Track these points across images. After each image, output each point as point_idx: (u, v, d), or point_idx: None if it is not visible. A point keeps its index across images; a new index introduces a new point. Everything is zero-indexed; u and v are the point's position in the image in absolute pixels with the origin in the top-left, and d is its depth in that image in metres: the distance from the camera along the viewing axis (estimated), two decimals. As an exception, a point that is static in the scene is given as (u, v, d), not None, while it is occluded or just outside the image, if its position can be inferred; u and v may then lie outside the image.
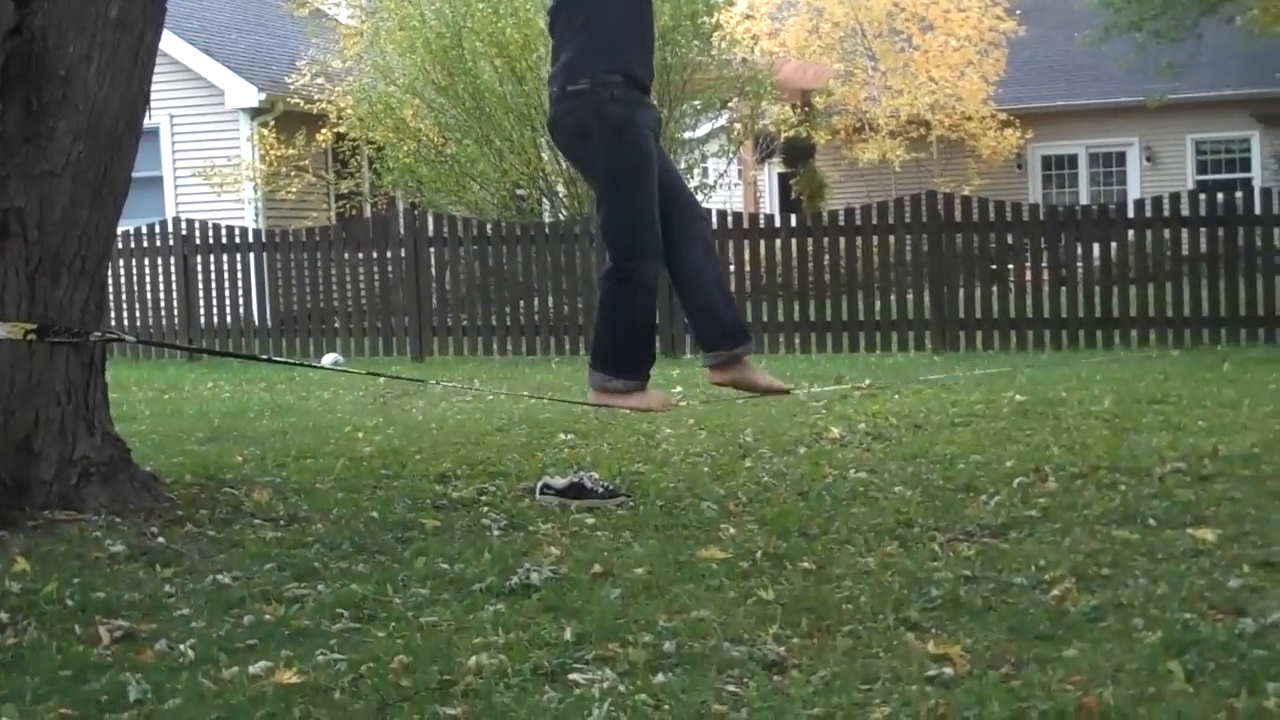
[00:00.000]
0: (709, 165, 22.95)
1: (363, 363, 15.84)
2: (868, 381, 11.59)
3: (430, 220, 16.87)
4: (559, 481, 6.89)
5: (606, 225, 5.98)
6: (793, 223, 16.62)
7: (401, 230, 16.74)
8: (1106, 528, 5.92)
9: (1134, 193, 27.12)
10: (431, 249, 16.57)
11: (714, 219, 15.71)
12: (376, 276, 16.81)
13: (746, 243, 15.87)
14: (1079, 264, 15.27)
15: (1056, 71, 30.01)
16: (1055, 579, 5.08)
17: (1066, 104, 29.61)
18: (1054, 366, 12.93)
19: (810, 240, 15.86)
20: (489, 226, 16.74)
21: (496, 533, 6.14)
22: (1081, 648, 4.32)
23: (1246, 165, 29.00)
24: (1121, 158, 30.01)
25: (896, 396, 10.51)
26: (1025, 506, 6.39)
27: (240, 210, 21.12)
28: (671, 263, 6.06)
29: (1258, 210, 14.72)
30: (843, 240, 15.71)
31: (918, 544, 5.75)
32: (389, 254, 16.72)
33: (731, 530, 6.07)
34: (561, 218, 19.04)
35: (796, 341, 15.46)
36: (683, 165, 21.44)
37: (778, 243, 16.01)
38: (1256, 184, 26.16)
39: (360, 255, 16.86)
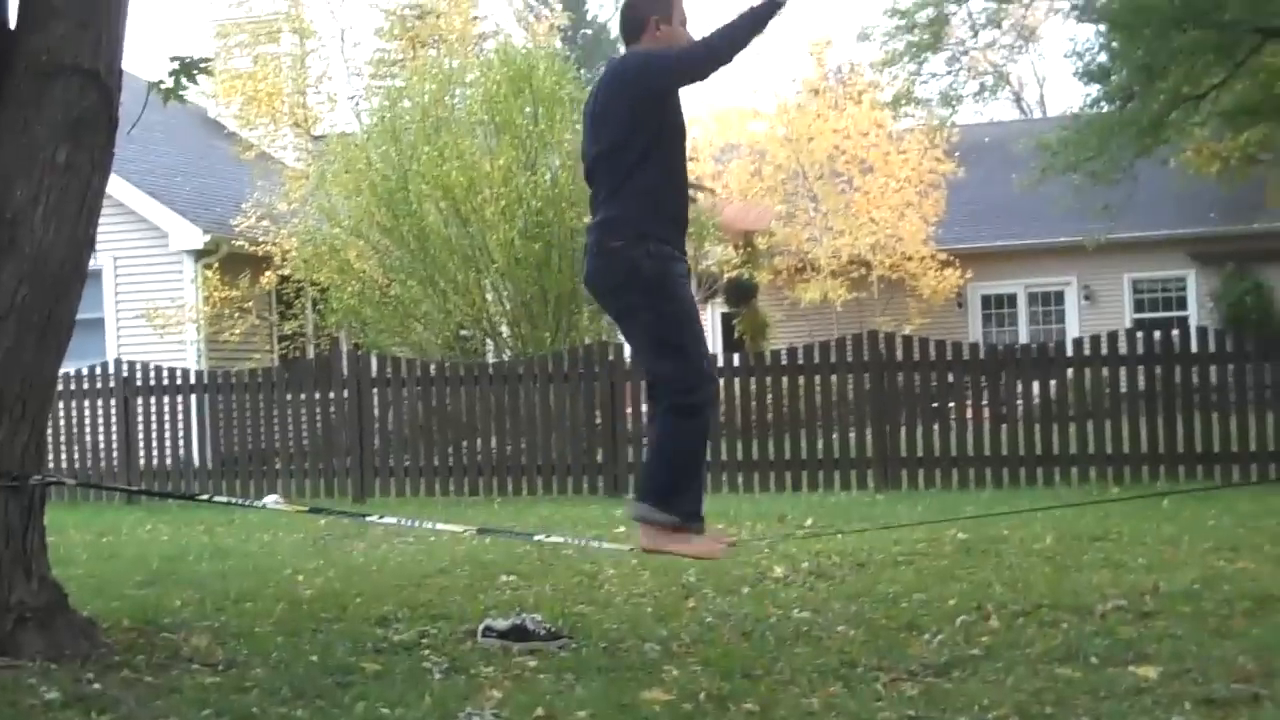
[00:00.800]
0: (652, 305, 23.09)
1: (304, 505, 15.72)
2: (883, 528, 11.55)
3: (374, 361, 16.88)
4: (501, 623, 6.85)
5: (658, 370, 6.12)
6: (736, 363, 16.69)
7: (345, 371, 16.72)
8: (1049, 666, 5.92)
9: (1073, 331, 27.43)
10: (375, 390, 16.56)
11: (657, 359, 15.82)
12: (319, 417, 16.78)
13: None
14: (1019, 402, 15.40)
15: (995, 212, 30.45)
16: (999, 719, 5.08)
17: (1005, 244, 30.02)
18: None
19: (753, 380, 15.94)
20: (432, 367, 16.77)
21: (438, 676, 6.09)
22: (1025, 788, 4.31)
23: (1183, 304, 29.42)
24: (1060, 296, 30.39)
25: (840, 536, 10.51)
26: (968, 645, 6.40)
27: (182, 352, 21.06)
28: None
29: (1194, 348, 14.90)
30: (785, 380, 15.80)
31: (861, 684, 5.73)
32: (331, 395, 16.71)
33: (675, 671, 6.04)
34: (505, 358, 19.10)
35: (740, 481, 15.47)
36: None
37: (721, 382, 16.05)
38: (1193, 322, 26.60)
39: (303, 396, 16.84)
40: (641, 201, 6.02)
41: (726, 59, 5.89)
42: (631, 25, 6.18)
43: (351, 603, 8.04)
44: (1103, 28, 22.51)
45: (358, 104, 24.88)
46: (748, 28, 5.84)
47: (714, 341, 30.84)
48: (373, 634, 7.05)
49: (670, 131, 6.10)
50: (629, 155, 6.00)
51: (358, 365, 16.74)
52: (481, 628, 6.88)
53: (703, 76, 5.98)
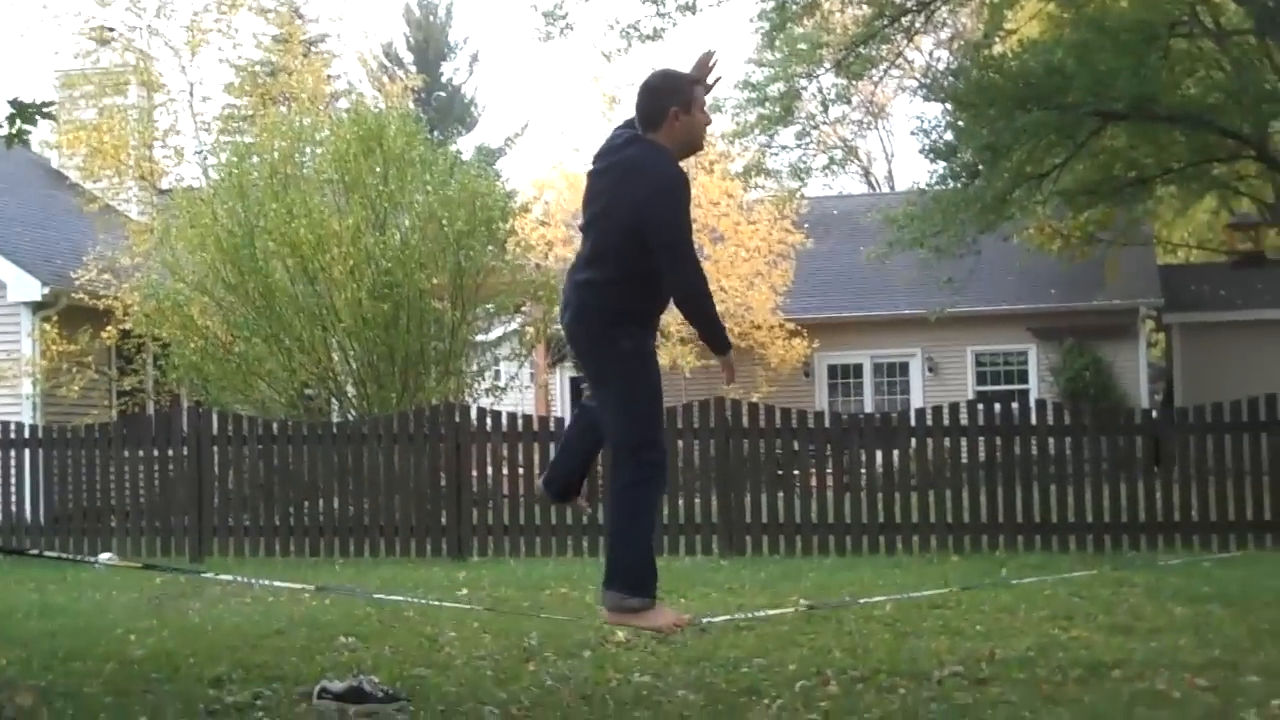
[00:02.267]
0: (501, 368, 23.05)
1: (139, 563, 15.37)
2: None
3: (215, 418, 16.59)
4: (337, 685, 6.74)
5: (622, 434, 6.09)
6: (582, 426, 16.63)
7: (185, 428, 16.42)
8: (886, 731, 5.95)
9: (916, 401, 27.76)
10: (215, 447, 16.26)
11: (504, 421, 15.77)
12: (157, 475, 16.43)
13: (536, 445, 15.85)
14: (863, 470, 15.53)
15: (842, 283, 30.84)
16: (835, 783, 5.09)
17: (852, 315, 30.37)
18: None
19: (599, 444, 15.88)
20: (275, 425, 16.52)
21: (270, 738, 5.97)
22: None
23: (1024, 377, 29.94)
24: (905, 367, 30.77)
25: (683, 600, 10.51)
26: (807, 710, 6.41)
27: (18, 406, 20.56)
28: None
29: (1034, 421, 15.16)
30: (632, 444, 15.75)
31: (700, 748, 5.71)
32: (171, 452, 16.37)
33: (513, 735, 5.98)
34: (350, 418, 18.90)
35: (585, 544, 15.40)
36: (475, 368, 21.52)
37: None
38: (1033, 395, 27.16)
39: (141, 453, 16.47)
40: (629, 287, 5.99)
41: (688, 304, 6.15)
42: (651, 114, 6.03)
43: (184, 663, 7.87)
44: (949, 107, 22.98)
45: (205, 159, 24.55)
46: (706, 324, 6.24)
47: (562, 405, 30.84)
48: (205, 695, 6.91)
49: None
50: (627, 250, 5.92)
51: (198, 422, 16.44)
52: (317, 689, 6.77)
53: (673, 282, 6.03)
